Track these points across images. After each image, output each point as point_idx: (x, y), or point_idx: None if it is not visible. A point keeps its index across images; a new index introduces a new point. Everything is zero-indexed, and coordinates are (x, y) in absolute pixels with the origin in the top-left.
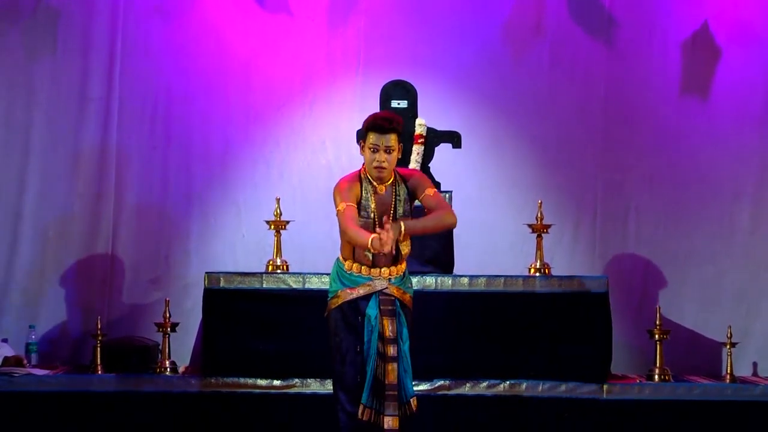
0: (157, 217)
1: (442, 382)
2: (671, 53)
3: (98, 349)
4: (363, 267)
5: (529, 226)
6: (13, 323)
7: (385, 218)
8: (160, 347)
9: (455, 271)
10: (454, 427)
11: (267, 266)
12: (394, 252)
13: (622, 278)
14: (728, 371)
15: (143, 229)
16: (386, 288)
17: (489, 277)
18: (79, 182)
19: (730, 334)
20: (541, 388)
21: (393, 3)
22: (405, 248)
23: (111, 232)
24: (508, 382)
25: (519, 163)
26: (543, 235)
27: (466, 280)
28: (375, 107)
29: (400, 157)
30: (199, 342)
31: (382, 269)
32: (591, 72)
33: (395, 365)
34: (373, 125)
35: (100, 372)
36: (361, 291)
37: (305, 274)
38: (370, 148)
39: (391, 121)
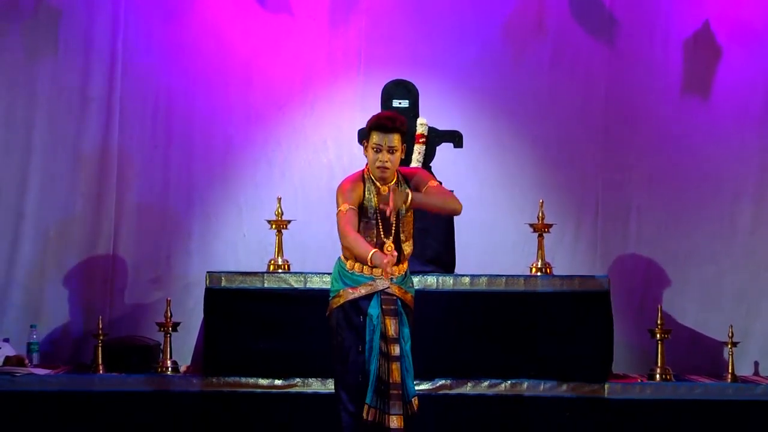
0: (159, 217)
1: (443, 381)
2: (672, 53)
3: (99, 348)
4: (365, 266)
5: (531, 225)
6: (14, 323)
7: (388, 243)
8: (162, 347)
9: (456, 270)
10: (456, 426)
11: (268, 266)
12: (393, 267)
13: (623, 278)
14: (729, 371)
15: (144, 228)
16: (388, 287)
17: (490, 276)
18: (81, 182)
19: (732, 333)
20: (542, 387)
21: (394, 2)
22: (407, 248)
23: (112, 231)
24: (509, 382)
25: (520, 162)
26: (544, 234)
27: (467, 279)
28: (376, 107)
29: (403, 157)
30: (201, 341)
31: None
32: (592, 71)
33: (398, 364)
34: (377, 125)
35: (101, 372)
36: (362, 290)
37: (306, 273)
38: (373, 148)
39: (395, 120)
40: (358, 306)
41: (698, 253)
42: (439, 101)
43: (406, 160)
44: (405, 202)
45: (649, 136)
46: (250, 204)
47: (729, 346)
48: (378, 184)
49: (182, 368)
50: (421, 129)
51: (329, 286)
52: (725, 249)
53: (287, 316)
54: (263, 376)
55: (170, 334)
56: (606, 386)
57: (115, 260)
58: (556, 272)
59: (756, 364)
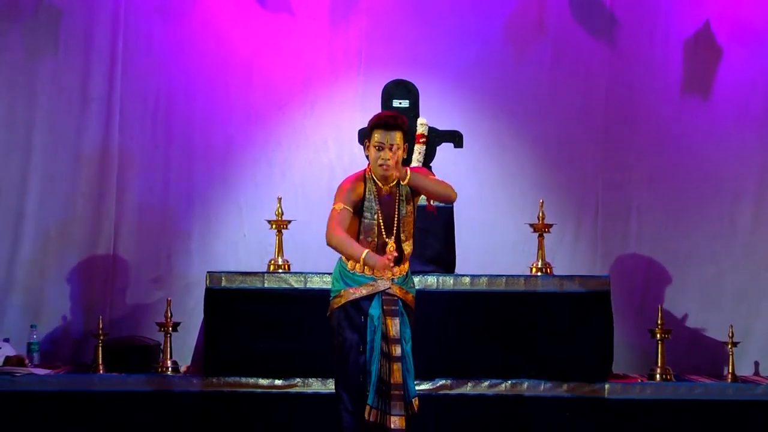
0: (159, 217)
1: (443, 381)
2: (673, 53)
3: (100, 348)
4: (366, 267)
5: (531, 225)
6: (14, 323)
7: (390, 243)
8: (162, 347)
9: (457, 270)
10: (456, 426)
11: (268, 266)
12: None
13: (623, 278)
14: (730, 371)
15: (145, 228)
16: (389, 288)
17: (491, 276)
18: (81, 182)
19: (732, 333)
20: (542, 387)
21: (394, 2)
22: (407, 247)
23: (113, 231)
24: (509, 382)
25: (520, 162)
26: (544, 234)
27: (467, 279)
28: (377, 106)
29: (405, 157)
30: (201, 341)
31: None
32: (592, 71)
33: (400, 365)
34: (379, 123)
35: (101, 371)
36: (363, 291)
37: (307, 273)
38: (375, 146)
39: (396, 118)
40: (359, 306)
41: (698, 253)
42: (439, 101)
43: (407, 160)
44: (404, 179)
45: (650, 136)
46: (250, 204)
47: (730, 346)
48: (380, 183)
49: (182, 368)
50: (421, 129)
51: (329, 286)
52: (725, 249)
53: (287, 316)
54: (263, 376)
55: (170, 334)
56: (606, 386)
57: (115, 260)
58: (556, 272)
59: (756, 364)
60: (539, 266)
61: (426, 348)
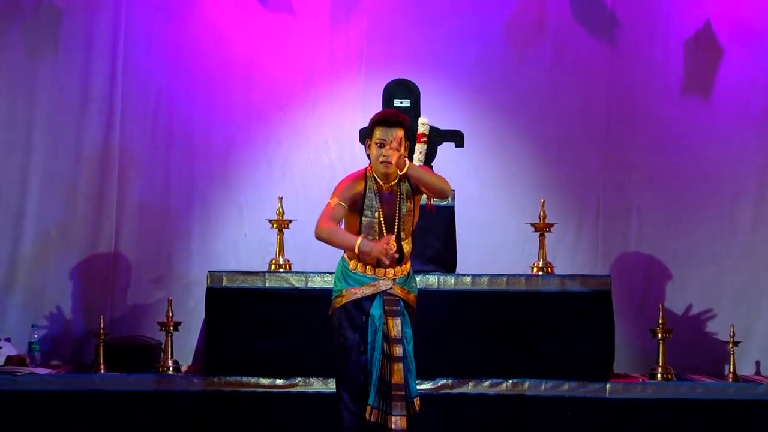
0: (160, 216)
1: (444, 381)
2: (673, 53)
3: (101, 348)
4: (368, 267)
5: (532, 225)
6: (15, 322)
7: (390, 239)
8: (163, 346)
9: (458, 270)
10: (457, 426)
11: (269, 265)
12: (396, 256)
13: (624, 277)
14: (731, 370)
15: (146, 228)
16: (391, 288)
17: (491, 276)
18: (82, 181)
19: (733, 332)
20: (543, 387)
21: (395, 2)
22: (407, 246)
23: (113, 231)
24: (510, 381)
25: (521, 162)
26: (545, 234)
27: (468, 279)
28: (378, 106)
29: (406, 156)
30: (202, 341)
31: (387, 269)
32: (593, 71)
33: (401, 365)
34: (380, 120)
35: (102, 371)
36: (365, 291)
37: (308, 273)
38: (376, 143)
39: (398, 115)
40: (360, 306)
41: (698, 253)
42: (440, 101)
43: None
44: (404, 167)
45: (650, 136)
46: (251, 204)
47: (731, 345)
48: (381, 181)
49: (183, 368)
50: (422, 128)
51: (331, 286)
52: (725, 249)
53: (288, 316)
54: (264, 376)
55: (171, 333)
56: (607, 386)
57: (116, 260)
58: (557, 272)
59: (757, 363)
60: (540, 266)
61: (427, 347)
